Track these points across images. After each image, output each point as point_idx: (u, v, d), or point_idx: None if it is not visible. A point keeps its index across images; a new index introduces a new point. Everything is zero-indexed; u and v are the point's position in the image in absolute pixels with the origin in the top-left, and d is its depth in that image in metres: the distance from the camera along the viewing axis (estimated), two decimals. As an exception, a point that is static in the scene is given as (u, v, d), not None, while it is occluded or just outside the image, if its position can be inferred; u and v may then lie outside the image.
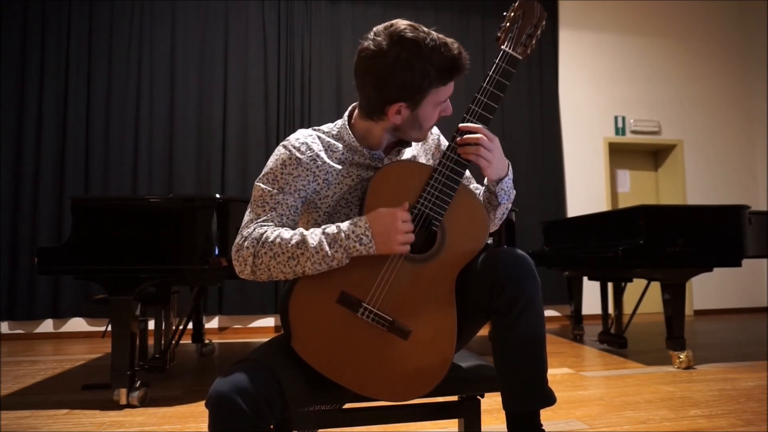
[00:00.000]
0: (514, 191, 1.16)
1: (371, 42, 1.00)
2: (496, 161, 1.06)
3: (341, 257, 0.95)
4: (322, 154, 1.07)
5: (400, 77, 0.99)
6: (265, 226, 1.00)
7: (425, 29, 1.00)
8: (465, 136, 1.04)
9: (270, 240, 0.96)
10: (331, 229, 0.97)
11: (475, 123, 1.05)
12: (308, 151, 1.06)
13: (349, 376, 0.96)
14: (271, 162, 1.07)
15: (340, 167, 1.08)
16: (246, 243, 0.98)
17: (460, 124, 1.05)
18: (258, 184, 1.05)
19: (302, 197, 1.06)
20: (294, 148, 1.06)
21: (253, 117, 4.81)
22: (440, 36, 1.00)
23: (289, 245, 0.95)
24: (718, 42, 6.19)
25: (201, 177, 4.68)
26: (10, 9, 4.49)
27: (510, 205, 1.18)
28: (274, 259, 0.96)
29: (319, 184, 1.06)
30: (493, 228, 1.21)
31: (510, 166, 1.14)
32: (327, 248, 0.94)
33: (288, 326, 0.96)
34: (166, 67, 4.73)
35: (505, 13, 1.08)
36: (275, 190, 1.03)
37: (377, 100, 1.03)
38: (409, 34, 0.98)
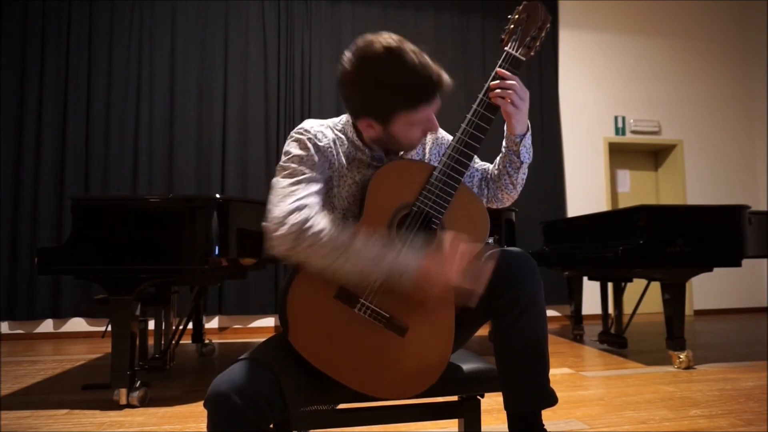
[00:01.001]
0: (532, 148, 1.17)
1: (344, 57, 1.01)
2: (524, 112, 1.08)
3: (379, 268, 0.91)
4: (334, 145, 1.07)
5: (360, 97, 1.01)
6: (308, 204, 0.94)
7: (407, 49, 0.97)
8: (500, 82, 1.05)
9: (319, 228, 0.91)
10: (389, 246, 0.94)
11: (478, 122, 1.05)
12: (324, 139, 1.06)
13: (346, 372, 0.96)
14: (293, 148, 1.03)
15: (346, 162, 1.09)
16: (290, 221, 0.91)
17: (498, 69, 1.06)
18: (285, 164, 1.01)
19: (323, 180, 1.03)
20: (313, 135, 1.04)
21: (253, 117, 4.81)
22: (420, 60, 0.97)
23: (340, 237, 0.91)
24: (718, 42, 6.19)
25: (201, 177, 4.68)
26: (10, 9, 4.49)
27: (528, 165, 1.17)
28: (321, 248, 0.90)
29: (333, 171, 1.06)
30: (515, 195, 1.20)
31: (529, 126, 1.15)
32: (375, 250, 0.91)
33: (286, 321, 0.96)
34: (166, 67, 4.73)
35: (509, 16, 1.10)
36: (305, 168, 0.99)
37: (350, 112, 1.07)
38: (376, 56, 0.96)
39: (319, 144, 1.04)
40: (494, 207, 1.25)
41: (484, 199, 1.23)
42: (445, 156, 1.04)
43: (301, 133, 1.04)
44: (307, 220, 0.92)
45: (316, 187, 0.99)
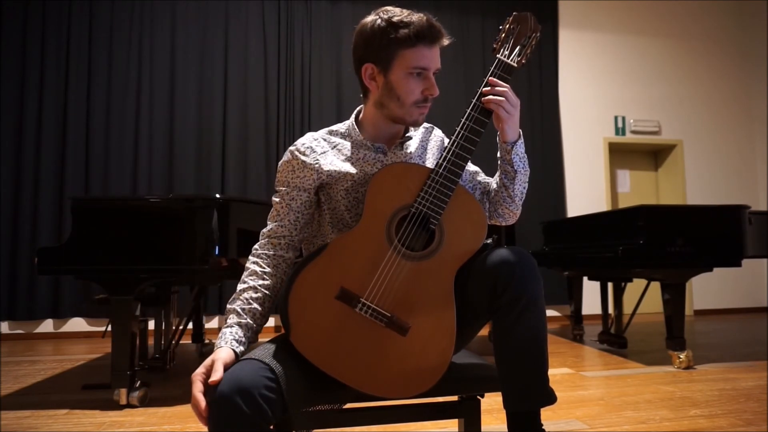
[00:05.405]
0: (526, 158, 1.18)
1: None
2: (515, 119, 1.10)
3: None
4: (328, 154, 1.12)
5: (365, 39, 1.08)
6: (263, 251, 1.12)
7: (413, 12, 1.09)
8: (492, 89, 1.07)
9: (241, 288, 1.07)
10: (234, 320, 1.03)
11: (473, 125, 1.07)
12: (312, 154, 1.12)
13: (348, 371, 0.96)
14: (279, 167, 1.15)
15: (345, 163, 1.11)
16: (250, 258, 1.13)
17: (489, 77, 1.09)
18: (275, 188, 1.15)
19: (309, 190, 1.12)
20: (299, 152, 1.12)
21: (253, 117, 4.81)
22: (421, 13, 1.10)
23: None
24: (719, 42, 6.19)
25: (201, 177, 4.68)
26: (10, 9, 4.49)
27: (527, 178, 1.18)
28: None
29: (323, 179, 1.10)
30: (515, 209, 1.19)
31: (521, 134, 1.16)
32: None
33: (287, 321, 0.97)
34: (166, 67, 4.73)
35: (500, 26, 1.13)
36: (282, 196, 1.12)
37: (355, 67, 1.12)
38: (382, 8, 1.09)
39: (305, 160, 1.11)
40: (498, 224, 1.25)
41: (486, 213, 1.23)
42: (442, 158, 1.05)
43: (291, 152, 1.14)
44: (246, 272, 1.10)
45: (284, 211, 1.11)
